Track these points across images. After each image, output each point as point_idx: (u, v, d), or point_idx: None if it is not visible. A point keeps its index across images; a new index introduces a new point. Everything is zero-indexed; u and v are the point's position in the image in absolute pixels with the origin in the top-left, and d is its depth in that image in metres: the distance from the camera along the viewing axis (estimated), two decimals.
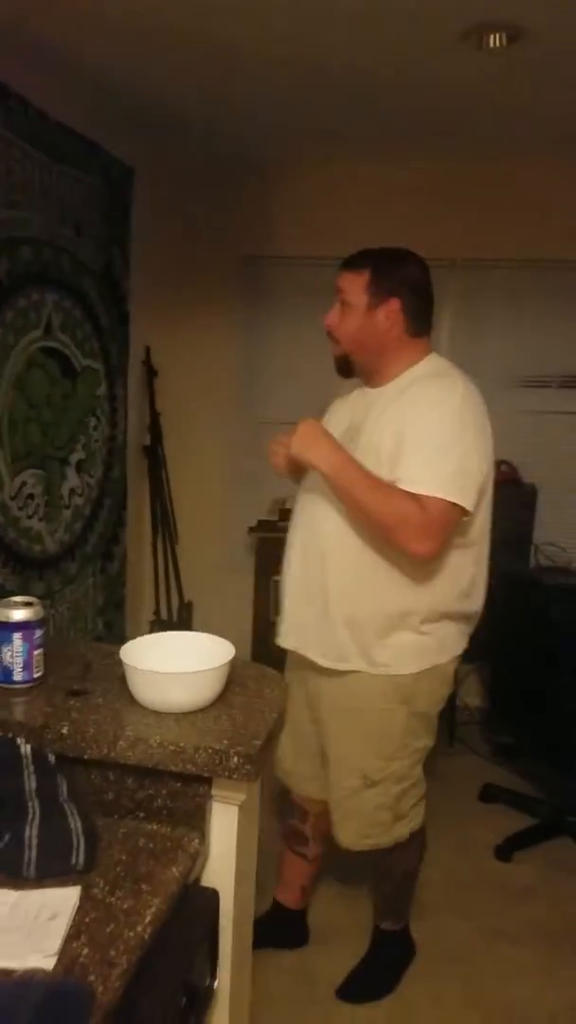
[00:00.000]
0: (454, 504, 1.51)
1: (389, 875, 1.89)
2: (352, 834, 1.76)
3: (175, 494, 3.64)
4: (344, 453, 1.57)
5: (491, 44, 2.20)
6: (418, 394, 1.59)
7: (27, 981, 0.78)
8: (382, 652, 1.64)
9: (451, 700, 3.16)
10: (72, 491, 2.98)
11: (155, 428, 3.58)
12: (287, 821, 1.99)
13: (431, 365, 1.66)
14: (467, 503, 1.53)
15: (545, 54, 2.23)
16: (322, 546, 1.66)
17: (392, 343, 1.64)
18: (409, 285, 1.64)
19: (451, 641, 1.71)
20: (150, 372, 3.54)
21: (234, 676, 1.17)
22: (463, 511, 1.53)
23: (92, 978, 0.79)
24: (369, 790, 1.70)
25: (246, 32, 2.19)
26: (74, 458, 2.97)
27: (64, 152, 2.68)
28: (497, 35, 2.16)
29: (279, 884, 2.06)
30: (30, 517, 2.71)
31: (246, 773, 1.00)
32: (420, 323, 1.65)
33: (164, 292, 3.48)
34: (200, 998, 0.98)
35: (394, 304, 1.61)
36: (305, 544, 1.72)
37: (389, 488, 1.53)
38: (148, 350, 3.51)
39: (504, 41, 2.18)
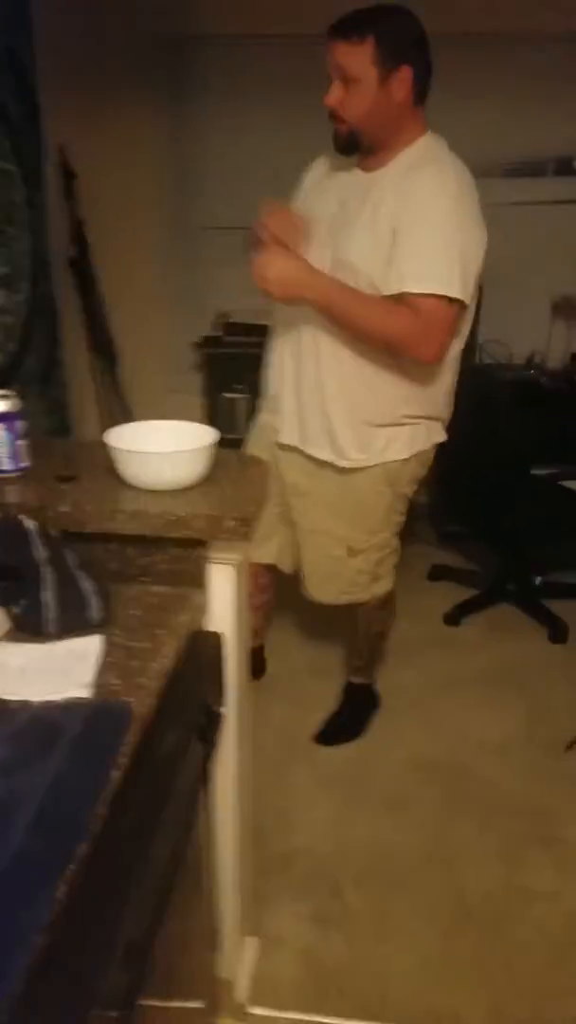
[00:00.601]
0: (454, 300, 1.52)
1: (365, 634, 2.11)
2: (331, 593, 1.94)
3: (110, 310, 3.50)
4: (330, 285, 1.54)
5: None
6: (414, 186, 1.53)
7: (71, 704, 0.89)
8: (376, 442, 1.73)
9: None
10: (1, 309, 2.85)
11: (79, 238, 3.37)
12: None
13: (428, 145, 1.60)
14: (467, 297, 1.54)
15: None
16: (317, 346, 1.67)
17: (405, 113, 1.55)
18: (416, 47, 1.52)
19: (434, 431, 1.81)
20: (68, 175, 3.27)
21: (218, 460, 1.22)
22: (463, 305, 1.55)
23: (126, 698, 0.91)
24: (352, 558, 1.86)
25: None
26: None
27: None
28: None
29: None
30: None
31: (241, 534, 1.08)
32: (425, 89, 1.56)
33: (77, 82, 3.11)
34: (214, 718, 1.13)
35: (406, 71, 1.51)
36: (298, 343, 1.72)
37: (384, 305, 1.54)
38: (62, 150, 3.22)
39: None
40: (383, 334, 1.57)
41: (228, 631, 1.16)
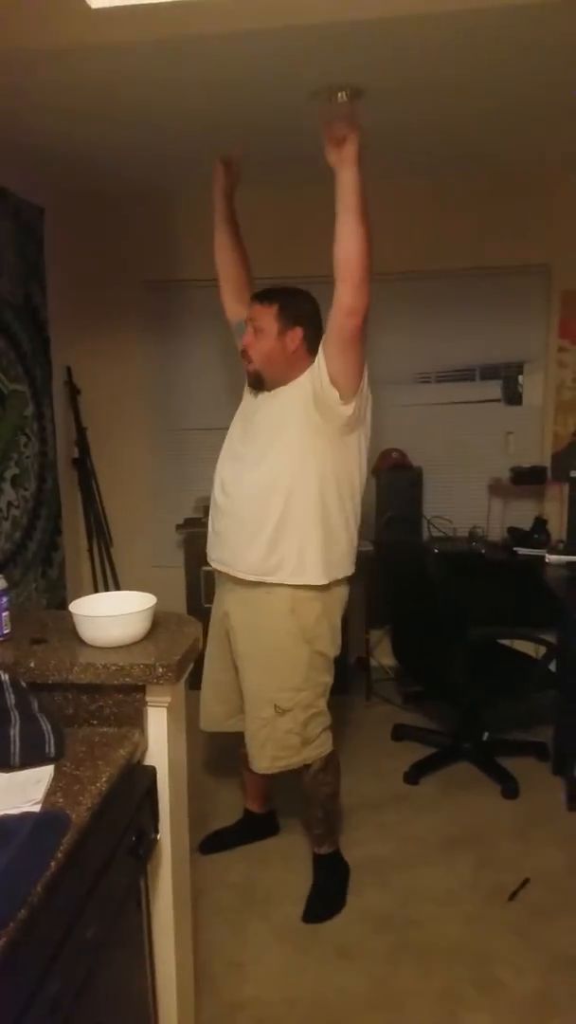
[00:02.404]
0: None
1: (316, 799, 2.26)
2: (266, 759, 2.15)
3: (106, 500, 3.98)
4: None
5: (338, 99, 2.66)
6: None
7: (23, 815, 1.14)
8: (313, 567, 2.04)
9: (367, 661, 3.61)
10: (9, 504, 3.29)
11: (82, 442, 3.91)
12: (240, 749, 2.38)
13: None
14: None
15: (380, 105, 2.72)
16: (288, 484, 2.00)
17: (295, 360, 2.07)
18: (308, 317, 2.08)
19: (343, 564, 2.13)
20: (73, 391, 3.87)
21: (160, 620, 1.54)
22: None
23: (68, 811, 1.16)
24: (280, 718, 2.10)
25: (144, 94, 2.58)
26: (8, 474, 3.28)
27: None
28: (342, 93, 2.63)
29: (247, 797, 2.53)
30: None
31: (169, 678, 1.37)
32: (314, 345, 2.06)
33: (80, 317, 3.82)
34: (146, 840, 1.35)
35: (298, 332, 2.06)
36: (260, 481, 2.04)
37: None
38: (69, 370, 3.84)
39: (347, 97, 2.64)
40: (367, 229, 1.91)
41: (161, 764, 1.42)
